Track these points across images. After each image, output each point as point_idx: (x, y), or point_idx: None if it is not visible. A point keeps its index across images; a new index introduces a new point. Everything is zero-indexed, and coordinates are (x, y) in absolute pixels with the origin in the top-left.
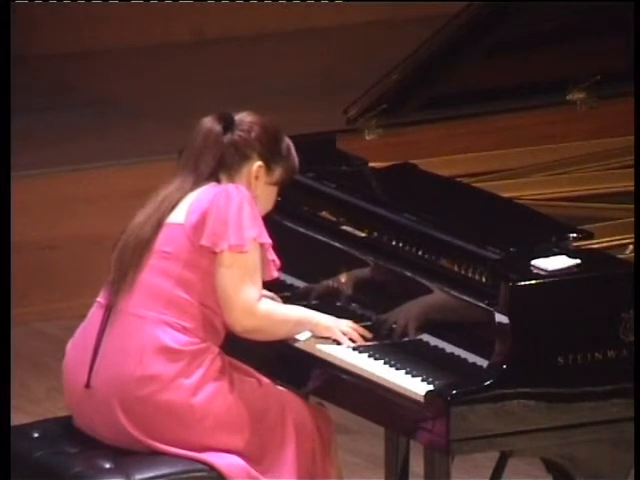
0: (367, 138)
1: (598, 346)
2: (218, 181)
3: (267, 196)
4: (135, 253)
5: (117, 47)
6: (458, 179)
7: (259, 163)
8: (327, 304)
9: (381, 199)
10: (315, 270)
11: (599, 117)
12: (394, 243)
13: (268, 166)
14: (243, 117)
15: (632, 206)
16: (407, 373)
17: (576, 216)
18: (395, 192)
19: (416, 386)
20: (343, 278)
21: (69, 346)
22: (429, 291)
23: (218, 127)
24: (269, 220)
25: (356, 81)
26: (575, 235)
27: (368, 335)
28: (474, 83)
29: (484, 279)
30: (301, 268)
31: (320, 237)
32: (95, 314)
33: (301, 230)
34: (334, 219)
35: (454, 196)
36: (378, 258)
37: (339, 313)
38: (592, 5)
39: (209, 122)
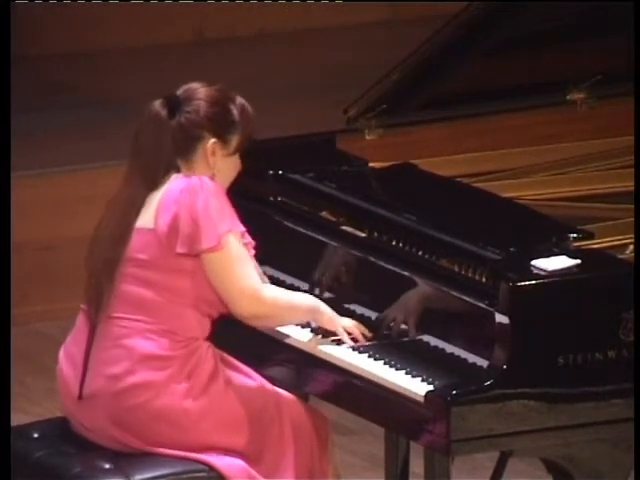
0: (367, 138)
1: (598, 346)
2: (177, 169)
3: (229, 167)
4: (107, 268)
5: (117, 47)
6: (458, 179)
7: (212, 140)
8: (327, 304)
9: (381, 199)
10: (315, 270)
11: (599, 117)
12: (394, 243)
13: (223, 139)
14: (188, 94)
15: (632, 206)
16: (407, 373)
17: (576, 216)
18: (395, 192)
19: (416, 386)
20: (343, 278)
21: (61, 355)
22: (429, 291)
23: (164, 112)
24: (269, 220)
25: (356, 81)
26: (575, 235)
27: (368, 334)
28: (474, 83)
29: (484, 279)
30: (301, 268)
31: (320, 237)
32: (82, 321)
33: (301, 230)
34: (334, 219)
35: (454, 196)
36: (378, 258)
37: (339, 313)
38: (592, 5)
39: (154, 109)
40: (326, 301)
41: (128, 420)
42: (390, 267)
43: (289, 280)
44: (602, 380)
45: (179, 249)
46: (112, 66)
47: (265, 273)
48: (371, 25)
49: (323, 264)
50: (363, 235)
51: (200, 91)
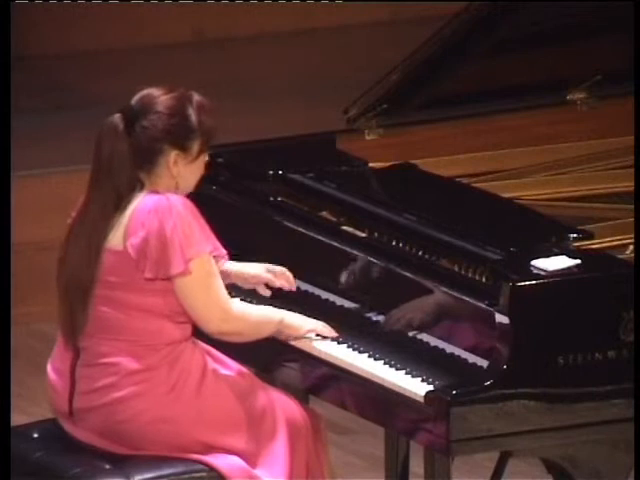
0: (367, 138)
1: (598, 346)
2: (141, 183)
3: (193, 172)
4: (80, 294)
5: (117, 47)
6: (458, 179)
7: (174, 152)
8: (326, 305)
9: (381, 199)
10: (315, 271)
11: (599, 117)
12: (394, 243)
13: (184, 149)
14: (145, 106)
15: (632, 206)
16: (407, 373)
17: (576, 216)
18: (395, 192)
19: (416, 386)
20: (343, 278)
21: (49, 368)
22: (429, 291)
23: (121, 127)
24: (269, 220)
25: (356, 81)
26: (575, 235)
27: (335, 334)
28: (474, 83)
29: (484, 279)
30: (301, 268)
31: (320, 237)
32: (62, 339)
33: (301, 230)
34: (334, 219)
35: (454, 196)
36: (378, 258)
37: (339, 313)
38: (592, 5)
39: (111, 124)
40: (325, 302)
41: (120, 434)
42: (390, 267)
43: None
44: (602, 380)
45: (147, 274)
46: (112, 66)
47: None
48: (371, 25)
49: (323, 264)
50: (363, 235)
51: (157, 102)
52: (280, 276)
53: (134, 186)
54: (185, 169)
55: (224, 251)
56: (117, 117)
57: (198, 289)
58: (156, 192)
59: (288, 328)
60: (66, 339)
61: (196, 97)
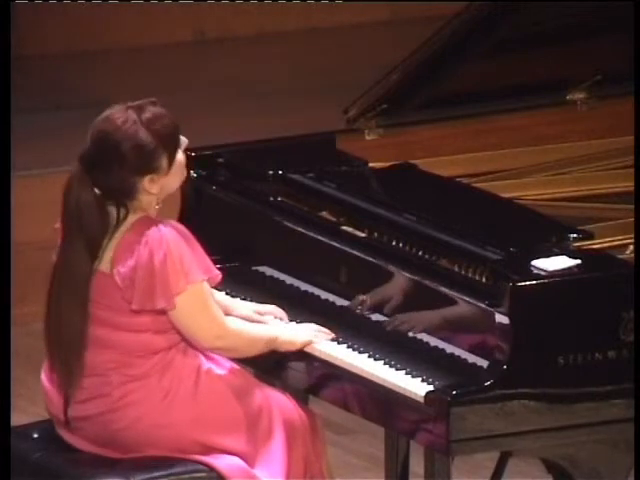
0: (367, 138)
1: (598, 346)
2: (126, 208)
3: (174, 179)
4: (76, 349)
5: (117, 47)
6: (458, 179)
7: (146, 178)
8: (325, 305)
9: (381, 199)
10: (315, 271)
11: (599, 117)
12: (394, 243)
13: (154, 170)
14: (102, 148)
15: (632, 206)
16: (407, 373)
17: (576, 216)
18: (395, 192)
19: (416, 386)
20: (343, 278)
21: (43, 377)
22: (429, 291)
23: (84, 175)
24: (269, 220)
25: (356, 81)
26: (575, 235)
27: (332, 335)
28: (474, 83)
29: (484, 279)
30: (301, 268)
31: (320, 237)
32: None
33: (301, 230)
34: (334, 219)
35: (454, 196)
36: (378, 258)
37: (338, 313)
38: (592, 5)
39: (75, 175)
40: (325, 302)
41: (118, 441)
42: (390, 267)
43: (289, 280)
44: (602, 380)
45: (134, 306)
46: (112, 66)
47: (265, 273)
48: (371, 25)
49: (323, 264)
50: (363, 235)
51: (111, 140)
52: (270, 316)
53: (107, 231)
54: (165, 180)
55: (217, 273)
56: (79, 168)
57: (190, 317)
58: (148, 218)
59: (284, 344)
60: (62, 388)
61: (145, 114)
